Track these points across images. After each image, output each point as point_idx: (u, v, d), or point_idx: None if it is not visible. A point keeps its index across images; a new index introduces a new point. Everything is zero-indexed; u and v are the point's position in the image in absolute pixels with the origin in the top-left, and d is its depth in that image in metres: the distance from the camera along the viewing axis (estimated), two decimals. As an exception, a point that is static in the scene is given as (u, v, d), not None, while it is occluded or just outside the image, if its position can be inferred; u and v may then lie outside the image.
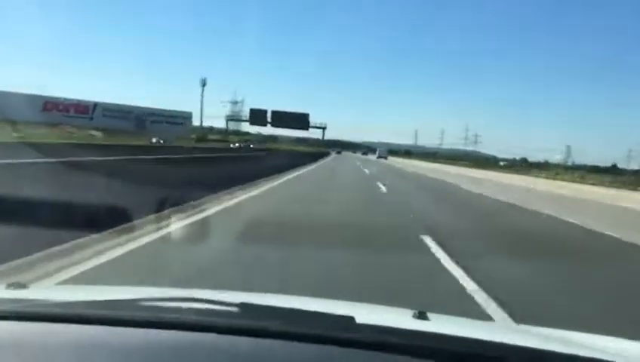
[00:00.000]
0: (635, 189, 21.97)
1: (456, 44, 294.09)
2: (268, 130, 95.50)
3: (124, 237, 5.14)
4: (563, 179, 32.25)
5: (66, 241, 4.59)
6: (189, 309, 1.12)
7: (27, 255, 4.07)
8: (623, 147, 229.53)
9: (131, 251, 4.71)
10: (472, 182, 23.78)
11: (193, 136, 65.32)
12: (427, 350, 0.99)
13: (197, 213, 7.39)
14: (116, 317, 1.06)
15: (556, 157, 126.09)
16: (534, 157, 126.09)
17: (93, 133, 37.46)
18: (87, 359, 0.94)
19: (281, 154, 31.47)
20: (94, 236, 4.92)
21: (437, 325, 1.24)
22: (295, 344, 0.98)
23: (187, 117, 74.00)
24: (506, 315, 3.53)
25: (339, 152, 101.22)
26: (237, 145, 63.01)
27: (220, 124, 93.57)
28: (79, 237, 4.74)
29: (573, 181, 30.54)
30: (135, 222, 5.76)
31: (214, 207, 8.19)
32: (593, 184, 28.98)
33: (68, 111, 63.24)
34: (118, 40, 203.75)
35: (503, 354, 1.03)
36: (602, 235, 8.47)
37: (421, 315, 1.27)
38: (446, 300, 3.86)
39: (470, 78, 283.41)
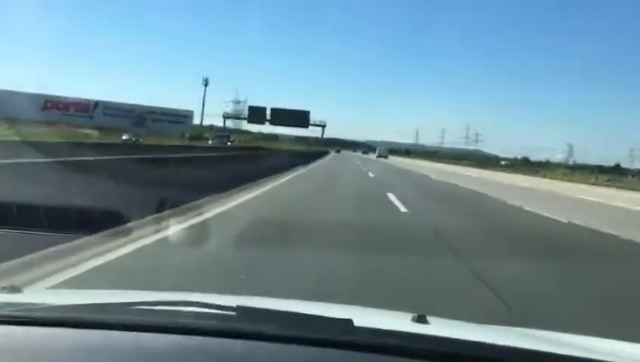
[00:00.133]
0: None
1: (457, 42, 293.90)
2: (267, 128, 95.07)
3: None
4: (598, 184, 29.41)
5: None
6: (184, 312, 1.12)
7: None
8: (625, 146, 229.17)
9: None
10: (519, 195, 17.11)
11: (187, 134, 63.94)
12: (426, 352, 0.99)
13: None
14: (111, 321, 1.06)
15: (557, 157, 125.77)
16: (535, 156, 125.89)
17: (89, 131, 37.10)
18: None
19: (269, 154, 27.02)
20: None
21: (436, 328, 1.22)
22: (292, 347, 0.97)
23: (188, 115, 73.91)
24: None
25: (338, 151, 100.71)
26: (210, 142, 54.97)
27: (220, 122, 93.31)
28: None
29: (598, 184, 29.16)
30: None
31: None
32: (620, 187, 27.47)
33: (68, 109, 63.28)
34: (120, 39, 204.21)
35: (503, 356, 1.03)
36: None
37: (420, 318, 1.25)
38: None
39: (472, 77, 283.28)
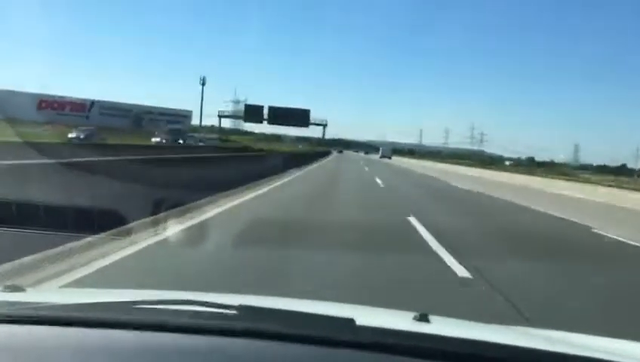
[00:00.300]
0: None
1: (460, 42, 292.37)
2: (270, 128, 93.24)
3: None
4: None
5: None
6: (186, 312, 1.11)
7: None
8: (628, 146, 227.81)
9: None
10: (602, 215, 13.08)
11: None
12: (428, 351, 0.99)
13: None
14: (113, 320, 1.06)
15: (560, 157, 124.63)
16: (539, 156, 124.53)
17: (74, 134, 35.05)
18: None
19: (256, 156, 22.28)
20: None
21: (438, 327, 1.22)
22: (294, 346, 0.98)
23: (186, 115, 72.88)
24: None
25: (340, 151, 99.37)
26: (163, 141, 39.96)
27: (222, 122, 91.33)
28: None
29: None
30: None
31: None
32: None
33: (63, 109, 62.00)
34: (120, 39, 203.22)
35: (505, 355, 1.03)
36: None
37: (422, 318, 1.25)
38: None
39: (475, 76, 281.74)
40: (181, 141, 38.61)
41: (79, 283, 3.61)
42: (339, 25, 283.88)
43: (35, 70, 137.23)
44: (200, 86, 77.01)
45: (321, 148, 74.02)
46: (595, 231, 9.06)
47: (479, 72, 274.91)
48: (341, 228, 7.15)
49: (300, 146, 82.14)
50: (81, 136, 32.37)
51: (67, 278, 3.76)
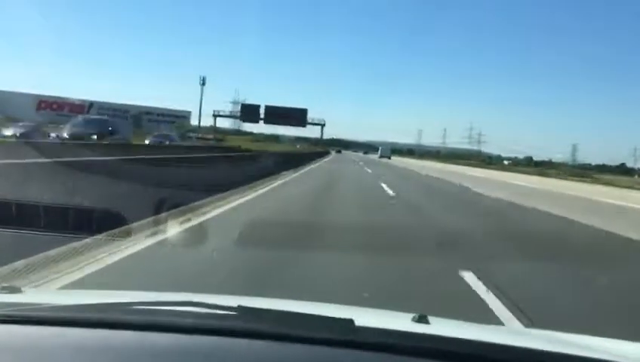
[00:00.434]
0: None
1: (459, 41, 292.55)
2: (270, 129, 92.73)
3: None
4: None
5: None
6: (186, 312, 1.10)
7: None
8: (625, 145, 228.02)
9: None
10: None
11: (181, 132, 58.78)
12: (427, 352, 0.99)
13: None
14: (112, 321, 1.05)
15: (557, 156, 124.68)
16: (537, 155, 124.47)
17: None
18: None
19: (245, 156, 19.15)
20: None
21: (437, 328, 1.21)
22: (293, 346, 0.98)
23: (185, 116, 72.79)
24: None
25: (339, 151, 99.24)
26: (147, 141, 33.01)
27: (220, 122, 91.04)
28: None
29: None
30: None
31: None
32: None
33: (62, 109, 62.00)
34: (119, 39, 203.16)
35: (504, 356, 1.03)
36: None
37: (421, 319, 1.24)
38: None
39: (474, 76, 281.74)
40: (167, 142, 32.09)
41: (78, 285, 3.55)
42: (338, 25, 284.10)
43: (34, 70, 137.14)
44: (200, 86, 76.85)
45: (320, 149, 73.74)
46: None
47: (477, 72, 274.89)
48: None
49: (298, 146, 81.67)
50: (18, 134, 27.44)
51: (67, 279, 3.71)
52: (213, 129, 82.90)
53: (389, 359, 0.96)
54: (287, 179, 16.13)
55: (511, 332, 1.53)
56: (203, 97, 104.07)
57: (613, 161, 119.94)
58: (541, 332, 1.61)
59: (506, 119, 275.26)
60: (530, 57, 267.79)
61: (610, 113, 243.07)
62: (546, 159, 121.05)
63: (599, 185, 33.14)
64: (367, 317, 1.28)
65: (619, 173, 79.71)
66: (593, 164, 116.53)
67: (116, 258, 4.45)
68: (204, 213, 7.37)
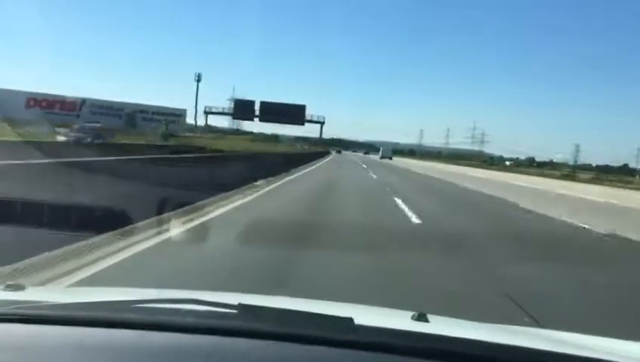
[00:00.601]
0: None
1: (462, 42, 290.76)
2: (264, 127, 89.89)
3: None
4: None
5: None
6: (187, 311, 1.10)
7: None
8: (628, 146, 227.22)
9: None
10: None
11: (162, 130, 54.58)
12: (427, 351, 0.98)
13: None
14: (113, 319, 1.06)
15: (557, 156, 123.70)
16: (539, 156, 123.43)
17: (60, 130, 33.32)
18: (84, 361, 0.94)
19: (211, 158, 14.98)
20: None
21: (437, 327, 1.21)
22: (294, 345, 0.98)
23: (180, 114, 70.91)
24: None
25: (339, 152, 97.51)
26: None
27: (219, 122, 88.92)
28: None
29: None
30: None
31: None
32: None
33: (53, 108, 59.86)
34: (118, 37, 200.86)
35: (504, 355, 1.02)
36: None
37: (420, 317, 1.24)
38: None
39: (477, 77, 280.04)
40: (89, 140, 29.65)
41: (83, 283, 3.64)
42: (338, 24, 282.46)
43: (31, 69, 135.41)
44: (201, 85, 74.60)
45: (320, 148, 71.29)
46: None
47: (478, 72, 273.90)
48: None
49: (298, 146, 79.26)
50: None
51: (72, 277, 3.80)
52: (207, 127, 79.86)
53: (389, 358, 0.96)
54: (247, 199, 10.10)
55: (511, 332, 1.45)
56: (201, 96, 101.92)
57: (616, 161, 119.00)
58: (541, 331, 1.67)
59: (508, 120, 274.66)
60: (531, 57, 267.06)
61: (614, 114, 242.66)
62: (548, 160, 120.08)
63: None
64: (366, 316, 1.28)
65: (621, 174, 78.70)
66: (595, 165, 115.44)
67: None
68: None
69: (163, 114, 67.05)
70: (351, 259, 5.32)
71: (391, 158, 70.45)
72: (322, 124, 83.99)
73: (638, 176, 78.13)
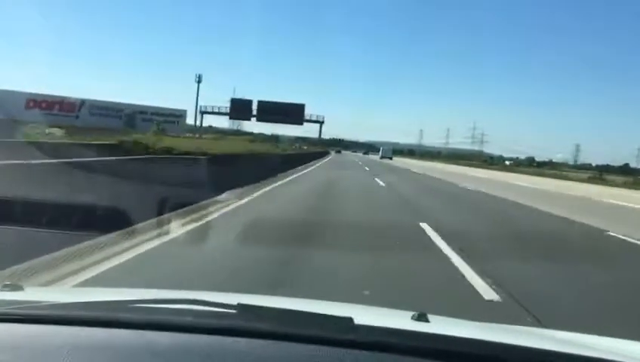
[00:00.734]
0: None
1: (462, 42, 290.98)
2: (261, 127, 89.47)
3: None
4: None
5: None
6: (186, 311, 1.10)
7: None
8: (628, 146, 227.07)
9: None
10: None
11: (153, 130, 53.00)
12: (426, 351, 0.97)
13: None
14: (112, 319, 1.06)
15: (557, 156, 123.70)
16: (539, 156, 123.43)
17: (51, 130, 33.31)
18: (83, 361, 0.94)
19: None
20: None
21: (437, 326, 1.21)
22: (293, 345, 0.98)
23: (180, 115, 70.81)
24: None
25: (339, 152, 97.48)
26: None
27: (220, 122, 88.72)
28: None
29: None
30: None
31: None
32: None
33: (52, 108, 59.73)
34: (118, 38, 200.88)
35: (503, 354, 1.01)
36: None
37: (421, 317, 1.24)
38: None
39: (477, 77, 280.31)
40: None
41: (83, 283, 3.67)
42: (338, 24, 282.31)
43: (29, 69, 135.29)
44: (202, 86, 74.38)
45: (319, 148, 70.92)
46: None
47: (478, 72, 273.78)
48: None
49: (298, 145, 79.02)
50: None
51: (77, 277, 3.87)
52: (204, 128, 78.40)
53: (389, 358, 0.95)
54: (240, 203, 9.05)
55: (512, 331, 1.46)
56: (201, 97, 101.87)
57: (616, 161, 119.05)
58: (542, 331, 1.70)
59: (508, 120, 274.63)
60: (531, 57, 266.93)
61: (614, 114, 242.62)
62: (548, 160, 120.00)
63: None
64: (366, 316, 1.28)
65: (622, 174, 78.65)
66: (595, 164, 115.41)
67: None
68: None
69: (163, 115, 66.94)
70: (344, 251, 5.89)
71: (391, 158, 70.59)
72: (321, 123, 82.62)
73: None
